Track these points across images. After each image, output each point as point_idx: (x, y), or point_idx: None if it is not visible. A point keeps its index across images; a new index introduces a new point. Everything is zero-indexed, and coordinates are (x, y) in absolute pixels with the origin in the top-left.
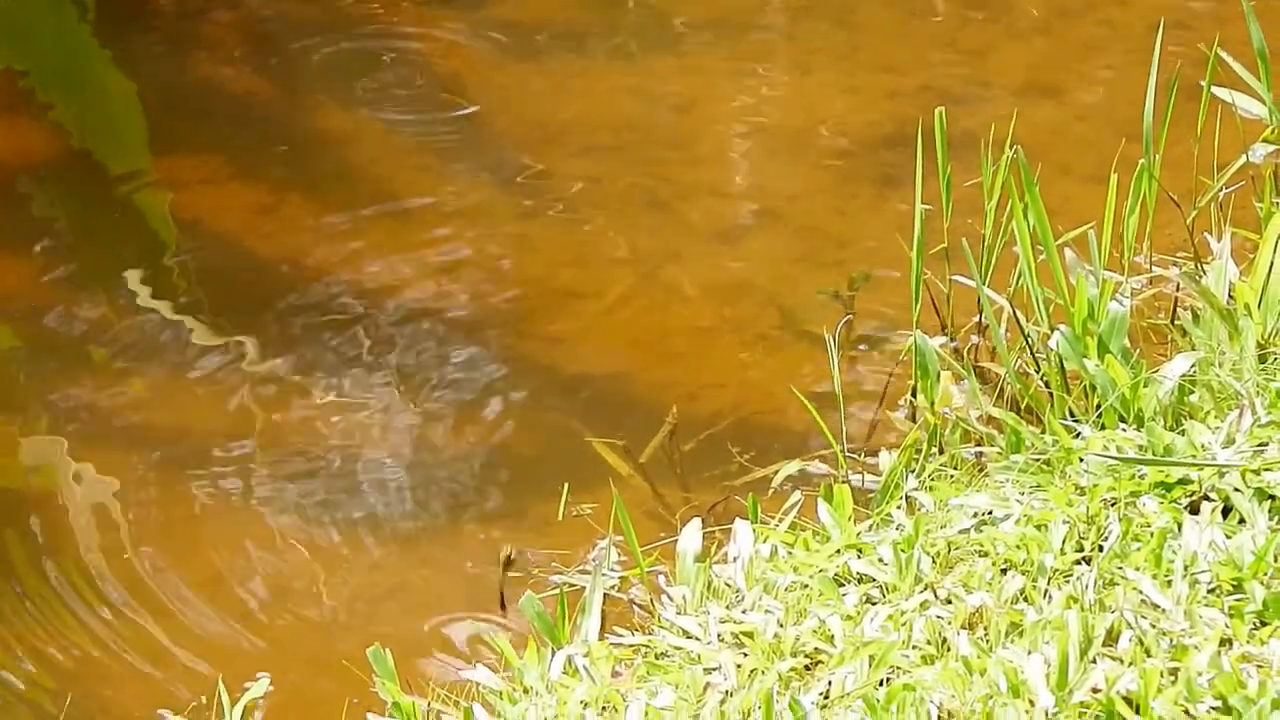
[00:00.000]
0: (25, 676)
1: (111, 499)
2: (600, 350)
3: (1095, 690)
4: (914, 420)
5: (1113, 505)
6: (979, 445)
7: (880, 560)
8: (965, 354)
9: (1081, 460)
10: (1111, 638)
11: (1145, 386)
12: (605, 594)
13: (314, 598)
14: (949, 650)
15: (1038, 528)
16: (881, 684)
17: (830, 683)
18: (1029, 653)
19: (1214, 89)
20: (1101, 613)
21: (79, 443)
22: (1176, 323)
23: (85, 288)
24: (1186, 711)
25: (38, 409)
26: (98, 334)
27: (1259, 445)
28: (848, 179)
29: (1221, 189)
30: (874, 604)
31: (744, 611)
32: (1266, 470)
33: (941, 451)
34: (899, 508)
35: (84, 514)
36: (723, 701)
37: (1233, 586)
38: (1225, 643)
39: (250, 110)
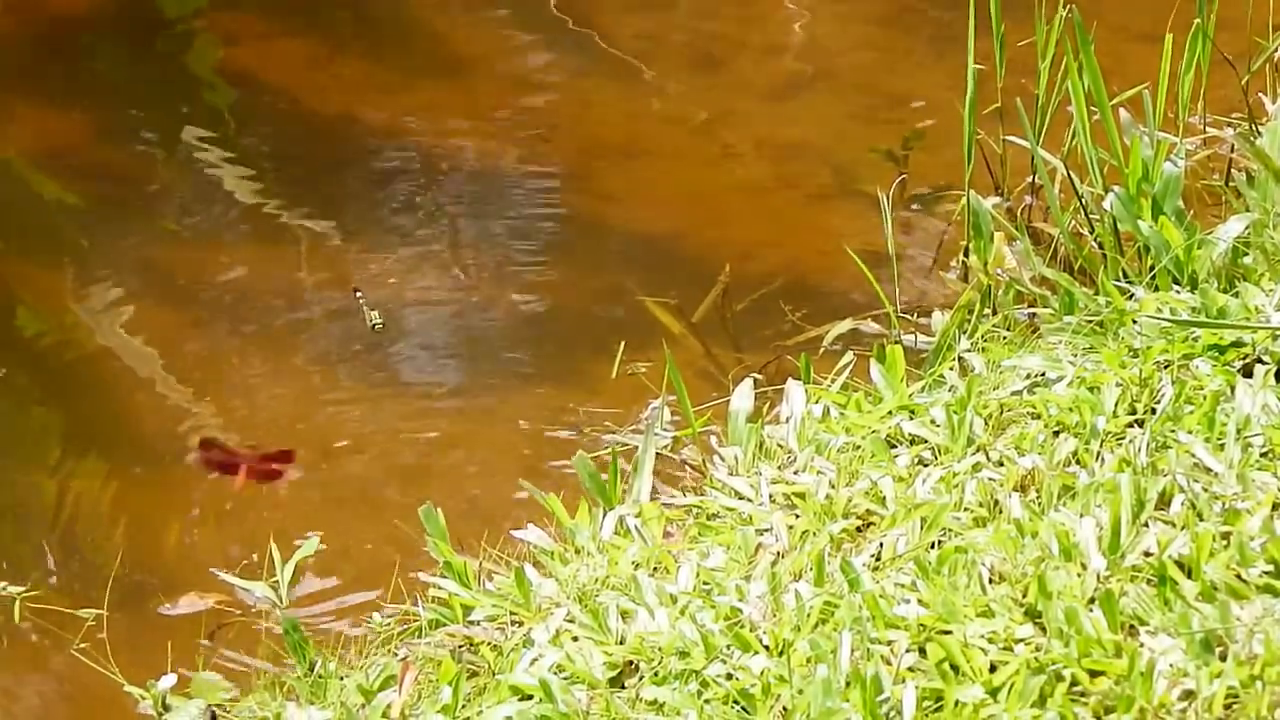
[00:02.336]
0: (76, 533)
1: (160, 353)
2: (653, 209)
3: (1147, 554)
4: (967, 281)
5: (1166, 368)
6: (1032, 306)
7: (932, 422)
8: (1019, 214)
9: (1135, 322)
10: (1164, 501)
11: (1199, 248)
12: (657, 454)
13: (364, 456)
14: (1001, 513)
15: (1090, 390)
16: (933, 546)
17: (882, 544)
18: (1081, 516)
19: None
20: (1154, 476)
21: (131, 296)
22: (1231, 184)
23: (139, 142)
24: (1238, 575)
25: (91, 261)
26: (151, 189)
27: None
28: (902, 37)
29: (1276, 49)
30: (926, 466)
31: (796, 473)
32: None
33: (994, 312)
34: (951, 369)
35: (133, 367)
36: (774, 563)
37: None
38: (1277, 506)
39: None
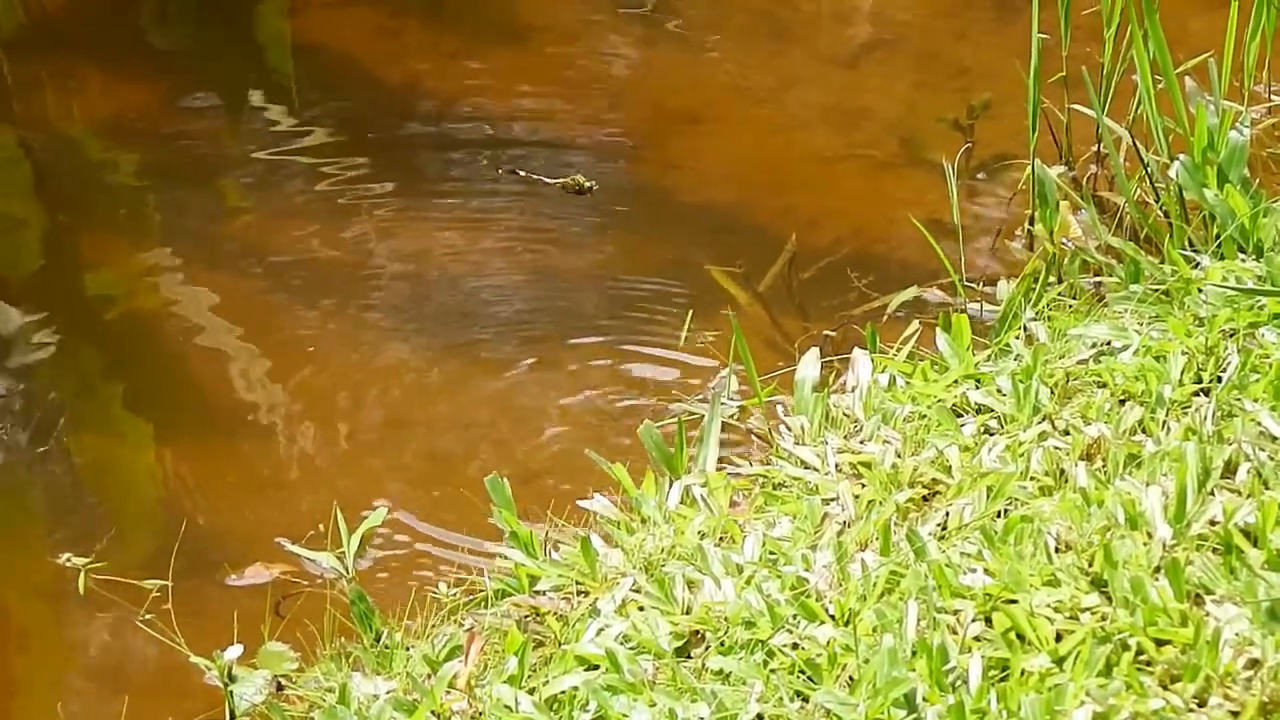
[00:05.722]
0: (140, 503)
1: (226, 321)
2: (719, 176)
3: (1213, 522)
4: (1032, 249)
5: (1231, 336)
6: (1097, 275)
7: (998, 391)
8: (1084, 183)
9: (1200, 291)
10: (1229, 470)
11: (1265, 216)
12: (723, 423)
13: (430, 425)
14: (1067, 481)
15: (1156, 358)
16: (999, 515)
17: (948, 513)
18: (1147, 484)
19: None
20: (1220, 444)
21: (197, 264)
22: None
23: (206, 111)
24: None
25: (158, 230)
26: (217, 156)
27: None
28: (968, 4)
29: None
30: (992, 435)
31: (862, 442)
32: None
33: (1060, 281)
34: (1017, 338)
35: (199, 335)
36: (840, 532)
37: None
38: None
39: None
